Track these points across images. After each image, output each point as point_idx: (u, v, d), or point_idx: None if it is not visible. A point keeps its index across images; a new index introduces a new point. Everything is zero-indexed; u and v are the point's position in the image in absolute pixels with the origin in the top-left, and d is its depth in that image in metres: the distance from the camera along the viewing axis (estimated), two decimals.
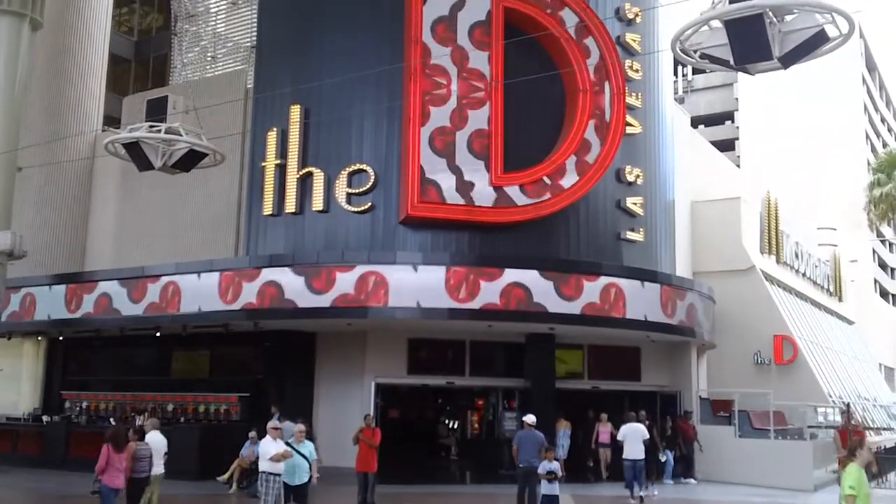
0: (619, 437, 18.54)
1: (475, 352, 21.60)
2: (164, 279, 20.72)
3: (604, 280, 19.75)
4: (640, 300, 20.26)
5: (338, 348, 21.25)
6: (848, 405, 26.62)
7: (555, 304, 19.14)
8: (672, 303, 21.04)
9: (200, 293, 20.07)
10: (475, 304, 18.71)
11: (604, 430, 21.42)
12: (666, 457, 21.36)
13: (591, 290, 19.52)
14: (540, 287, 19.05)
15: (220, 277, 19.78)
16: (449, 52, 20.33)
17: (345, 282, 18.68)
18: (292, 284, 18.97)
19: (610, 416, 21.42)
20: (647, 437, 18.47)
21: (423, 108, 19.98)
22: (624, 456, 18.04)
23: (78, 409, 24.35)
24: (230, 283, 19.60)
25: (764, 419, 22.90)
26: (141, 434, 13.28)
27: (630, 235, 22.39)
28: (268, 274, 19.28)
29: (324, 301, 18.77)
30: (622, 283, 20.02)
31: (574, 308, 19.30)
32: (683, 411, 22.66)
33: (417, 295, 18.70)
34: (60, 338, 25.38)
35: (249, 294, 19.31)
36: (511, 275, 18.92)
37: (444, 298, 18.66)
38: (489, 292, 18.76)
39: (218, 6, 28.70)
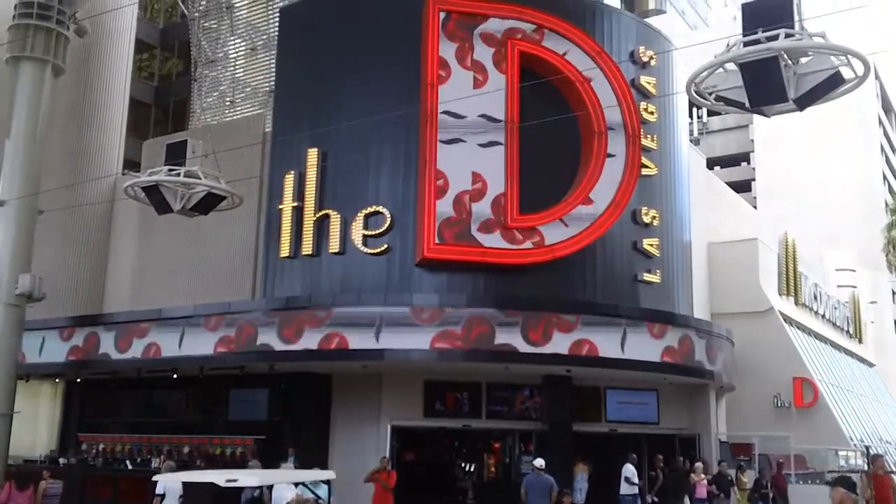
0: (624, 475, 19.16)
1: (491, 394, 21.45)
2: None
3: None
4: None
5: (353, 390, 21.15)
6: (868, 448, 26.22)
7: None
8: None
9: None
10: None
11: (701, 484, 19.79)
12: None
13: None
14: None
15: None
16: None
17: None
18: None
19: (626, 460, 21.16)
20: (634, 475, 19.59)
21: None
22: (621, 492, 18.88)
23: (94, 451, 24.31)
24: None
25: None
26: (53, 473, 13.68)
27: (647, 277, 22.30)
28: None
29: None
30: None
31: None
32: (778, 462, 22.21)
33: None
34: (78, 380, 25.45)
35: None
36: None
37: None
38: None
39: (237, 52, 29.13)
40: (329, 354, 19.04)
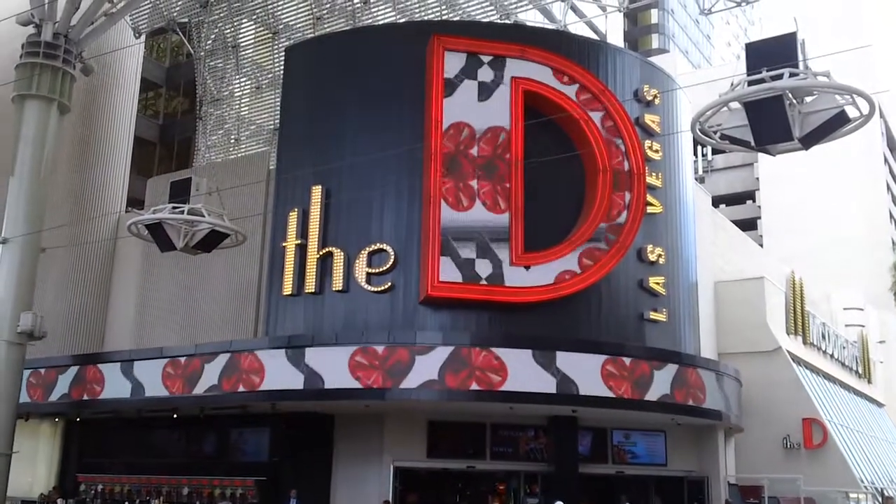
0: None
1: (496, 435, 21.18)
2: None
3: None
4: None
5: (356, 431, 20.89)
6: (883, 491, 25.79)
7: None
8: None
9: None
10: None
11: None
12: None
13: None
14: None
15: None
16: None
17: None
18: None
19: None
20: None
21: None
22: None
23: (93, 492, 24.01)
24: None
25: None
26: None
27: (653, 315, 22.07)
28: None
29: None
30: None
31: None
32: None
33: None
34: (77, 419, 25.20)
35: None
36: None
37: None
38: None
39: (242, 91, 29.28)
40: (329, 394, 18.88)
